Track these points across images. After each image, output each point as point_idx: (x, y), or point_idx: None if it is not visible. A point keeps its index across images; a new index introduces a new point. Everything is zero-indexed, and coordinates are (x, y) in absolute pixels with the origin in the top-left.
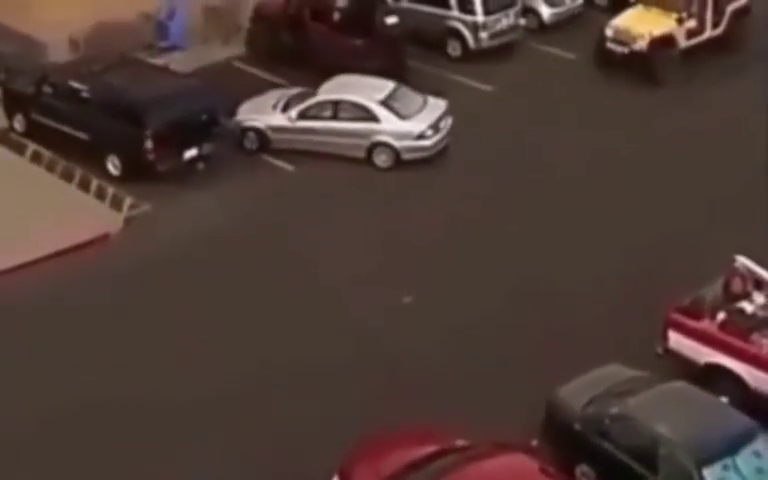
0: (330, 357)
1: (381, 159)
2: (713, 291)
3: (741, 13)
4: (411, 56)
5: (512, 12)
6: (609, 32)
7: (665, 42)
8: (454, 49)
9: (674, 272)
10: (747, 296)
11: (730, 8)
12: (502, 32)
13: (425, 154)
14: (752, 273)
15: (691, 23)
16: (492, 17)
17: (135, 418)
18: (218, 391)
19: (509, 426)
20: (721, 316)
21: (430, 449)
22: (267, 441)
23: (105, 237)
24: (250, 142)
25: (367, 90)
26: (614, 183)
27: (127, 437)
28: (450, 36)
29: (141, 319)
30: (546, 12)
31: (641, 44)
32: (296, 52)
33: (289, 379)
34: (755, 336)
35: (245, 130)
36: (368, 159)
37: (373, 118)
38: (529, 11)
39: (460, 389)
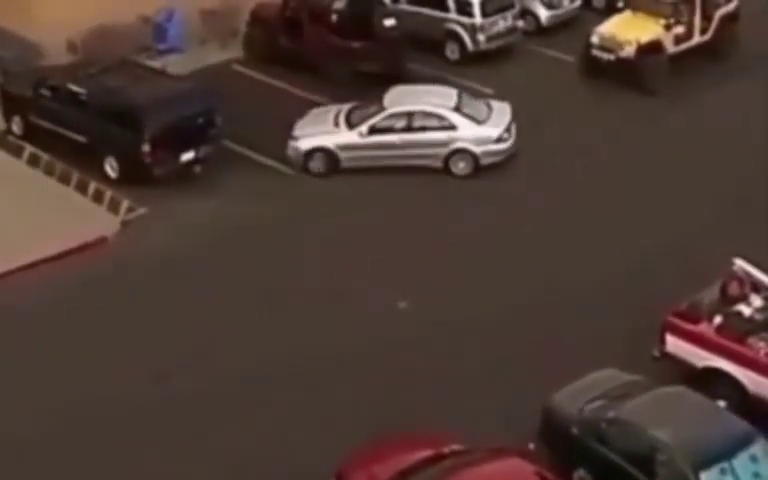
0: (328, 360)
1: (459, 167)
2: (710, 294)
3: (729, 19)
4: (409, 59)
5: (510, 14)
6: (595, 39)
7: (653, 48)
8: (452, 51)
9: (671, 276)
10: (744, 299)
11: (718, 14)
12: (500, 35)
13: (501, 158)
14: (749, 276)
15: (679, 29)
16: (490, 20)
17: (134, 419)
18: (217, 392)
19: (506, 430)
20: (718, 319)
21: (426, 454)
22: (266, 440)
23: (102, 240)
24: (318, 164)
25: (435, 98)
26: (612, 186)
27: (126, 437)
28: (448, 38)
29: (139, 322)
30: (544, 14)
31: (628, 51)
32: (294, 55)
33: (287, 380)
34: (752, 339)
35: (310, 152)
36: (445, 168)
37: (451, 126)
38: (527, 13)
39: (457, 393)
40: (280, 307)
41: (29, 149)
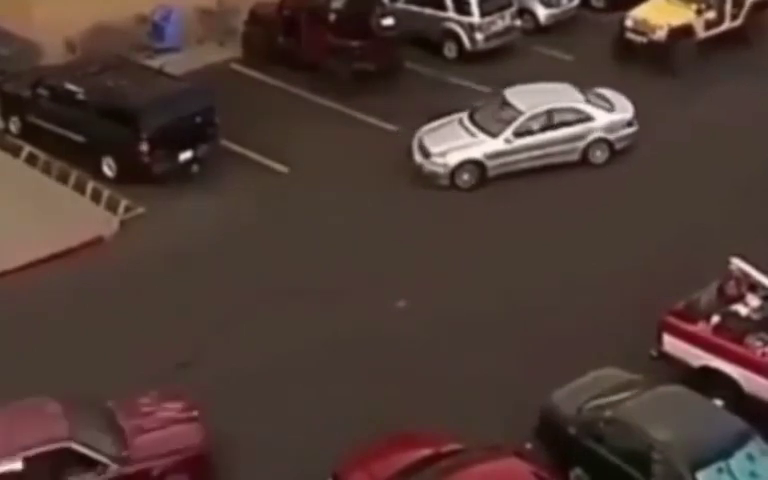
0: (324, 360)
1: (597, 156)
2: (708, 294)
3: (760, 6)
4: (407, 58)
5: (508, 13)
6: (629, 22)
7: (684, 32)
8: (450, 50)
9: (674, 272)
10: (742, 299)
11: (750, 0)
12: (498, 33)
13: (631, 141)
14: (747, 276)
15: (710, 14)
16: (488, 18)
17: None
18: (215, 390)
19: (504, 429)
20: (715, 319)
21: (424, 453)
22: (263, 439)
23: (100, 240)
24: (467, 177)
25: (560, 94)
26: (613, 184)
27: None
28: (446, 37)
29: (137, 321)
30: (542, 13)
31: (660, 34)
32: (292, 54)
33: (285, 380)
34: (749, 339)
35: (460, 166)
36: (583, 160)
37: (587, 118)
38: (525, 12)
39: (455, 392)
40: (278, 306)
41: (27, 148)
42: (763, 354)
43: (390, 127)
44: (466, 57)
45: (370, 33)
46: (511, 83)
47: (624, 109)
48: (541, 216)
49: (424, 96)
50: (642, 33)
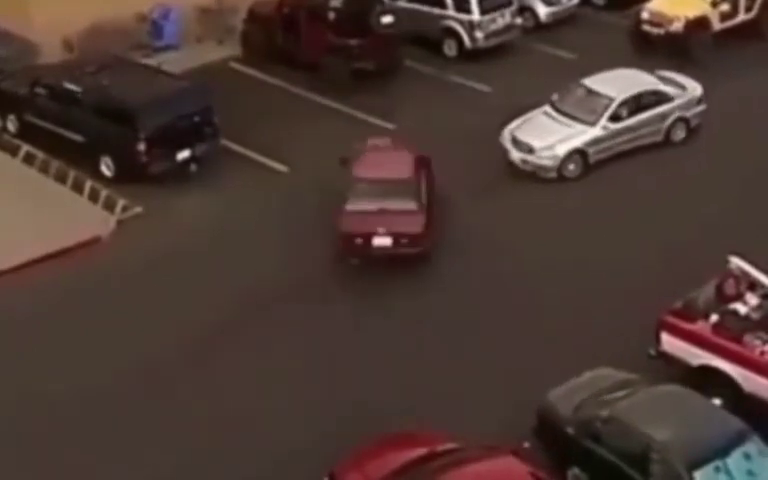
0: (323, 357)
1: (678, 134)
2: (706, 293)
3: None
4: (407, 56)
5: (508, 11)
6: (645, 15)
7: (700, 24)
8: (450, 48)
9: (675, 273)
10: (740, 297)
11: None
12: (498, 31)
13: (701, 118)
14: (745, 274)
15: (725, 6)
16: (488, 16)
17: (129, 415)
18: (213, 388)
19: (501, 429)
20: (714, 318)
21: (420, 452)
22: (262, 437)
23: (98, 239)
24: (574, 166)
25: (635, 78)
26: (614, 182)
27: (119, 432)
28: (446, 35)
29: (134, 320)
30: (543, 11)
31: (677, 26)
32: (291, 52)
33: (283, 378)
34: (748, 338)
35: (567, 156)
36: (666, 140)
37: (668, 98)
38: (525, 10)
39: (452, 392)
40: (277, 304)
41: (25, 148)
42: (762, 353)
43: (389, 126)
44: (466, 55)
45: (369, 31)
46: (511, 81)
47: (694, 88)
48: (536, 217)
49: (424, 94)
50: (659, 25)
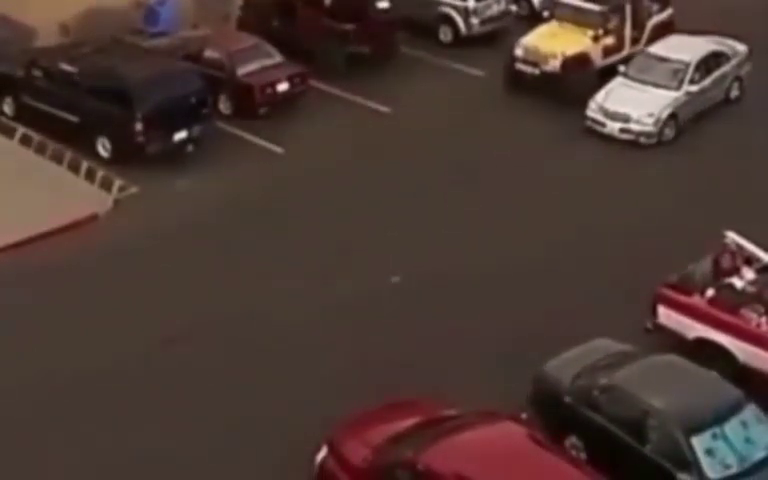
0: (322, 335)
1: (734, 93)
2: (703, 267)
3: (663, 27)
4: (402, 41)
5: None
6: (518, 52)
7: (579, 62)
8: (445, 35)
9: (666, 250)
10: (737, 271)
11: (651, 23)
12: (493, 18)
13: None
14: (741, 249)
15: (608, 40)
16: (483, 3)
17: (128, 392)
18: (212, 363)
19: (499, 399)
20: (710, 292)
21: (419, 419)
22: (262, 409)
23: (93, 218)
24: (669, 130)
25: (692, 43)
26: (608, 162)
27: (119, 408)
28: (441, 22)
29: (130, 299)
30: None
31: (553, 64)
32: (287, 38)
33: (282, 352)
34: (744, 311)
35: (666, 121)
36: (726, 100)
37: (728, 59)
38: None
39: (451, 362)
40: (274, 283)
41: (21, 129)
42: (758, 325)
43: (384, 109)
44: (461, 41)
45: (365, 17)
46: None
47: (741, 48)
48: (531, 197)
49: (419, 79)
50: (534, 64)
